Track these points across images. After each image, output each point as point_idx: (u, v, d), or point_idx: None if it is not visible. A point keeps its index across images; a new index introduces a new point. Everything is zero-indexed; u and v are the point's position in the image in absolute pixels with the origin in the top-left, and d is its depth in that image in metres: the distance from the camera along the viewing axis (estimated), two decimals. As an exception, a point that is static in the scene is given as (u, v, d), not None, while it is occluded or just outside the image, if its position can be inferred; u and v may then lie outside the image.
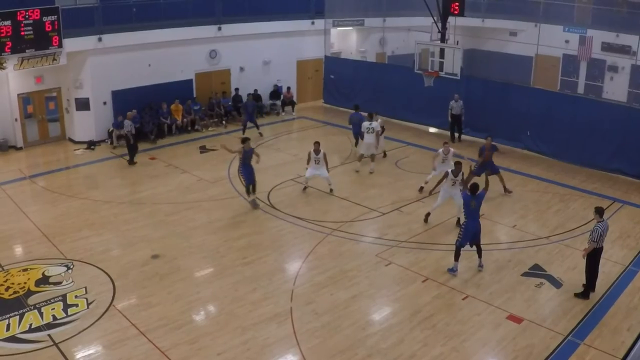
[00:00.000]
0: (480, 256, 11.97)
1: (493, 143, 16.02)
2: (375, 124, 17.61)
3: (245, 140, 15.07)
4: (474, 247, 11.86)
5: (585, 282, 11.11)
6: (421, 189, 16.15)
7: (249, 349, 9.41)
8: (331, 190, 16.03)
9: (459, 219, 13.89)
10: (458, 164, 13.81)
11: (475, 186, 11.90)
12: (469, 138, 21.02)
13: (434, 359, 9.27)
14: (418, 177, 17.11)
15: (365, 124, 17.68)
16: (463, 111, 20.76)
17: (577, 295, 11.06)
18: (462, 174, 13.75)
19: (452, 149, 15.77)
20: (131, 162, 18.55)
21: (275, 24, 24.47)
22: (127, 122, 18.37)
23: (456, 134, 21.30)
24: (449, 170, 13.79)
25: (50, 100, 20.52)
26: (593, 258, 10.94)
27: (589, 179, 17.69)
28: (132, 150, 18.61)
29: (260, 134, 21.70)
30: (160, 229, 13.89)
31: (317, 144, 15.83)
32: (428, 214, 14.24)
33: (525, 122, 19.76)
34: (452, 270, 11.87)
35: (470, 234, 11.65)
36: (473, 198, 11.64)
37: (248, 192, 15.12)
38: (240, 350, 9.39)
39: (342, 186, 16.52)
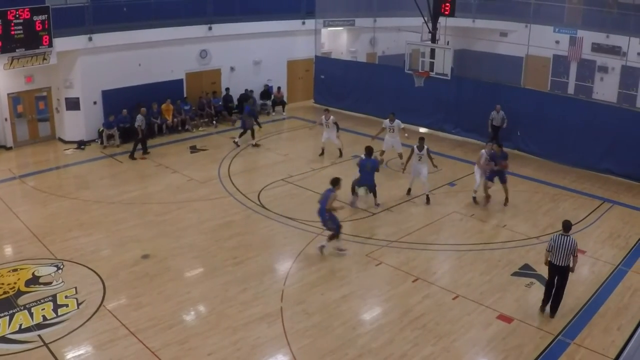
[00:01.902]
0: (375, 196, 14.88)
1: (504, 150, 15.39)
2: (397, 123, 18.03)
3: (337, 181, 12.72)
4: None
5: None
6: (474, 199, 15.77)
7: (239, 349, 9.41)
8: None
9: (427, 196, 15.49)
10: (421, 139, 15.37)
11: (370, 149, 14.52)
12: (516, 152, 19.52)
13: (425, 358, 9.29)
14: (408, 177, 17.10)
15: (387, 122, 18.19)
16: (505, 123, 19.67)
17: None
18: (427, 148, 15.22)
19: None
20: (132, 156, 18.96)
21: (266, 24, 24.45)
22: (139, 117, 18.81)
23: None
24: (415, 146, 15.26)
25: (40, 99, 20.39)
26: (551, 273, 10.37)
27: (579, 179, 17.80)
28: (137, 144, 19.05)
29: (237, 144, 20.56)
30: (151, 229, 13.85)
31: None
32: (409, 189, 15.98)
33: (516, 123, 19.82)
34: (353, 204, 14.82)
35: (362, 180, 14.57)
36: (368, 161, 14.28)
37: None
38: (230, 350, 9.38)
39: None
